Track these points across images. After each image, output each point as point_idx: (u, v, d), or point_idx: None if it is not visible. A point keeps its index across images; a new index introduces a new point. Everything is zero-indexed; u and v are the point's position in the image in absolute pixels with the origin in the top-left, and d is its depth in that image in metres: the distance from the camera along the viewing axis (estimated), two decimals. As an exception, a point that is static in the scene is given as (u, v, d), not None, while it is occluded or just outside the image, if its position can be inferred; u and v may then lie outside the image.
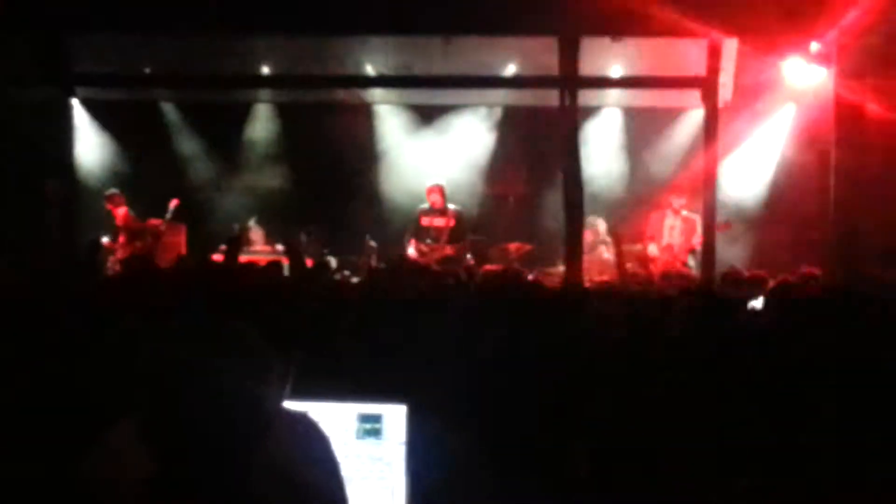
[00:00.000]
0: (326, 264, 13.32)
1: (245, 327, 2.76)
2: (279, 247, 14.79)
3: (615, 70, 14.81)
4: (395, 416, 4.17)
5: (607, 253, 15.74)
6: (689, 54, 13.02)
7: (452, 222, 14.80)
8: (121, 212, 15.36)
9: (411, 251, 14.70)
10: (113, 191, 15.63)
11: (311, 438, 3.19)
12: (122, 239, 15.16)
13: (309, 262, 12.98)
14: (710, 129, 11.02)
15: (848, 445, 3.81)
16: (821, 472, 3.50)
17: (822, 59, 12.44)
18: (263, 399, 2.66)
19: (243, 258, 13.86)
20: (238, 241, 11.77)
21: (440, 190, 14.95)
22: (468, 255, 14.68)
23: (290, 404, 3.69)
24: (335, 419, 4.17)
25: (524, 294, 6.86)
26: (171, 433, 2.57)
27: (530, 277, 12.77)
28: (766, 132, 16.13)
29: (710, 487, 3.36)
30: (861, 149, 11.93)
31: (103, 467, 3.44)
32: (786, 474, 3.84)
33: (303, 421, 3.27)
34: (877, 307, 6.15)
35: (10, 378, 4.75)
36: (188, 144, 17.24)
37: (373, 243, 15.62)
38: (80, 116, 16.18)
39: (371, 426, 4.17)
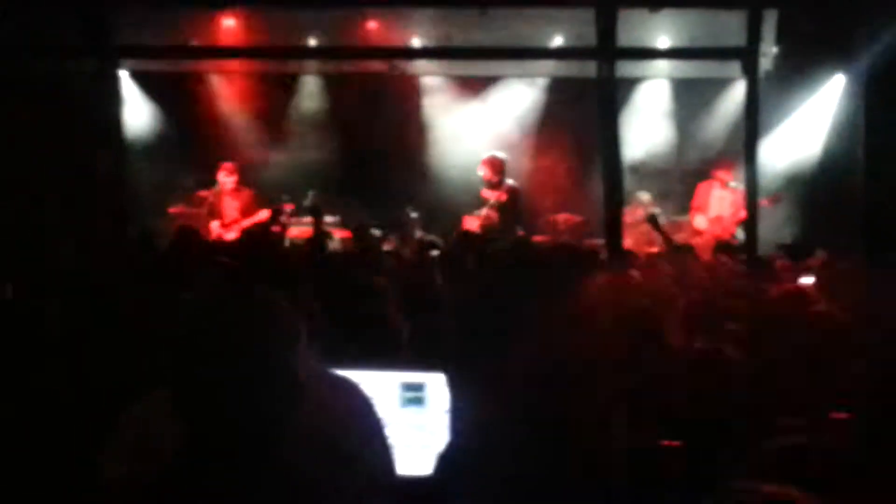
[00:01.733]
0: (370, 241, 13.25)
1: (274, 295, 2.77)
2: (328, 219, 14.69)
3: (658, 41, 14.76)
4: (437, 384, 4.21)
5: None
6: (729, 24, 12.96)
7: (504, 196, 14.72)
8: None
9: (470, 221, 14.67)
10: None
11: (352, 402, 3.22)
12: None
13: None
14: (751, 99, 10.97)
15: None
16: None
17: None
18: (294, 365, 2.67)
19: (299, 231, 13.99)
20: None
21: (491, 163, 14.86)
22: (519, 228, 14.59)
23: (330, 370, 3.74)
24: (378, 388, 4.20)
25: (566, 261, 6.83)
26: (201, 402, 2.59)
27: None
28: (815, 103, 16.00)
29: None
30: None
31: (130, 437, 3.50)
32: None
33: (344, 385, 3.30)
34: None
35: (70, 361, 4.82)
36: (235, 116, 17.30)
37: (414, 215, 15.60)
38: (129, 88, 16.31)
39: (414, 395, 4.22)
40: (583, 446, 2.33)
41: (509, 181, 14.80)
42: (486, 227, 13.98)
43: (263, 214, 13.97)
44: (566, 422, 2.32)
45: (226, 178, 14.90)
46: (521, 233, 14.35)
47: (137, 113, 16.55)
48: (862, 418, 3.64)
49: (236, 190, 14.92)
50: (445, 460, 2.96)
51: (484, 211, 14.57)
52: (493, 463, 2.27)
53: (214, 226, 14.57)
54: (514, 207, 14.70)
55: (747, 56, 11.23)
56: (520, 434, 2.30)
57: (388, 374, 4.26)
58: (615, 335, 3.90)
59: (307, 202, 14.67)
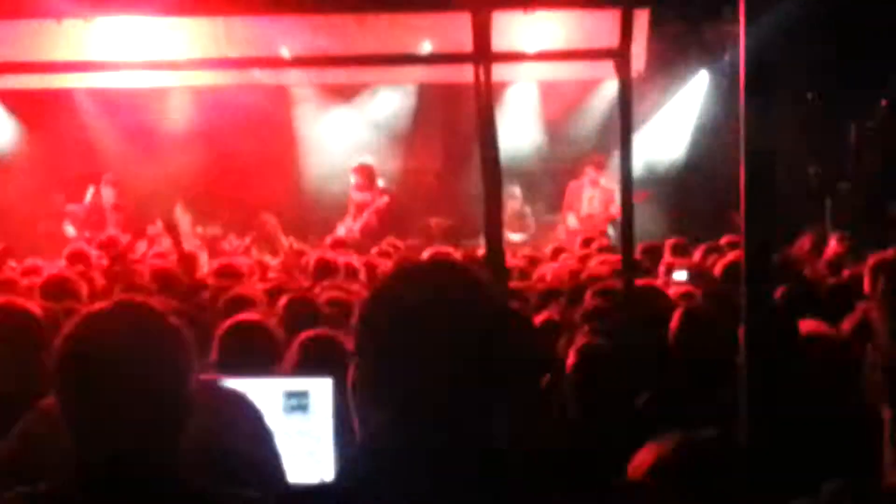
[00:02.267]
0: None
1: (160, 309, 2.76)
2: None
3: (529, 44, 14.88)
4: (321, 390, 4.21)
5: (527, 231, 15.87)
6: (601, 25, 13.11)
7: (385, 201, 14.78)
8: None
9: (340, 230, 14.69)
10: None
11: (237, 410, 3.22)
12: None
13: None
14: (625, 99, 11.06)
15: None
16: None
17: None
18: (184, 378, 2.67)
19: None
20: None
21: (362, 169, 14.93)
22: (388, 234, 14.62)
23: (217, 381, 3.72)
24: (261, 396, 4.19)
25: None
26: (92, 417, 2.57)
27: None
28: (680, 101, 16.29)
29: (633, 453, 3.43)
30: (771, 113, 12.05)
31: (22, 450, 3.44)
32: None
33: (230, 396, 3.29)
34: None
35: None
36: (105, 131, 17.07)
37: (272, 220, 15.52)
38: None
39: (297, 402, 4.21)
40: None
41: (380, 183, 14.88)
42: (366, 233, 13.98)
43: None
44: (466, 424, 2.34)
45: (107, 191, 14.75)
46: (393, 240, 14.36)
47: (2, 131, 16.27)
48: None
49: (117, 205, 14.76)
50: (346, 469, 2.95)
51: (364, 216, 14.60)
52: (396, 468, 2.27)
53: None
54: (389, 212, 14.78)
55: (620, 57, 11.33)
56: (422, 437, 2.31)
57: (271, 382, 4.25)
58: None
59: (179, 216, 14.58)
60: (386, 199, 14.68)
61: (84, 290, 7.94)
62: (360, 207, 14.72)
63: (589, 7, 12.72)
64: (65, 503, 2.58)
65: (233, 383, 3.83)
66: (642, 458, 3.09)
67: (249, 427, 3.28)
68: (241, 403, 3.32)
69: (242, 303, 6.67)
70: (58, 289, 7.68)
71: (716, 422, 3.76)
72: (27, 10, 12.53)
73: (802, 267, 9.10)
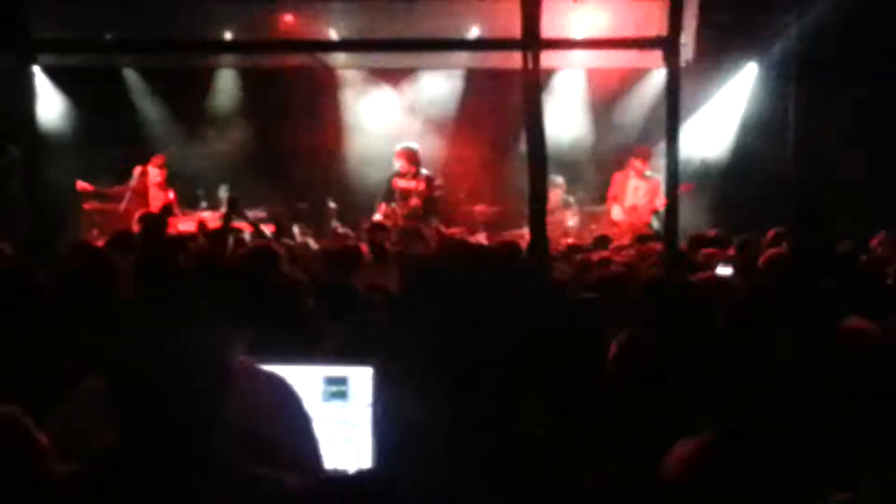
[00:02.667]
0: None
1: (200, 289, 2.77)
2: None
3: (578, 31, 14.81)
4: (361, 378, 4.21)
5: (571, 216, 15.83)
6: (650, 14, 13.04)
7: (422, 186, 14.78)
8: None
9: (378, 216, 14.70)
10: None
11: (276, 395, 3.22)
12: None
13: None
14: (672, 89, 11.01)
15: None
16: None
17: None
18: (221, 360, 2.67)
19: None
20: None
21: (406, 154, 14.92)
22: (435, 220, 14.61)
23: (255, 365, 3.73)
24: (301, 382, 4.20)
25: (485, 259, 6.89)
26: (134, 395, 2.59)
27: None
28: (727, 93, 16.19)
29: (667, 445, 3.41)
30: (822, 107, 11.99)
31: (71, 421, 3.46)
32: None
33: (268, 379, 3.29)
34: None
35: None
36: (151, 111, 17.18)
37: (332, 205, 15.59)
38: (42, 84, 16.10)
39: (337, 388, 4.21)
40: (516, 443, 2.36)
41: (424, 171, 14.86)
42: (409, 217, 13.97)
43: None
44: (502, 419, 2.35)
45: (154, 171, 14.85)
46: (436, 224, 14.36)
47: (50, 108, 16.35)
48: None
49: (163, 185, 14.85)
50: (381, 458, 2.97)
51: (406, 202, 14.59)
52: (427, 462, 2.28)
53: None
54: (431, 197, 14.76)
55: (669, 45, 11.26)
56: (455, 431, 2.31)
57: (311, 369, 4.25)
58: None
59: (223, 196, 14.70)
60: (422, 183, 14.65)
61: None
62: (405, 193, 14.69)
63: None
64: (105, 484, 2.59)
65: (273, 368, 3.84)
66: (680, 451, 3.08)
67: (287, 411, 3.28)
68: (279, 388, 3.33)
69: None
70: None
71: (756, 415, 3.74)
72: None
73: (884, 268, 8.82)
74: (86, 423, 3.23)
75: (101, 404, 2.64)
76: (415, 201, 14.45)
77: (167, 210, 12.90)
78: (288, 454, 3.19)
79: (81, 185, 15.29)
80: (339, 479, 3.76)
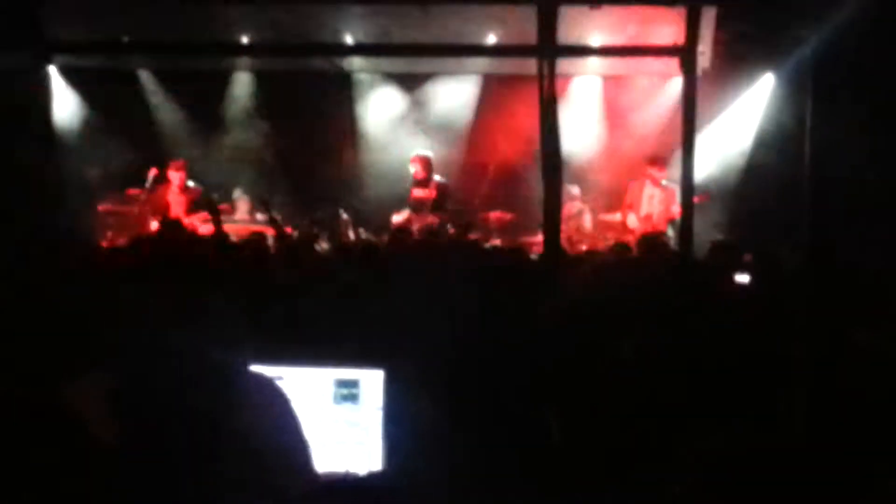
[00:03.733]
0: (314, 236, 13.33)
1: (213, 295, 2.76)
2: (260, 216, 14.66)
3: (595, 39, 14.79)
4: (372, 381, 4.20)
5: (588, 223, 15.81)
6: (668, 22, 13.01)
7: (434, 193, 14.82)
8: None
9: (396, 218, 14.74)
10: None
11: (274, 402, 3.19)
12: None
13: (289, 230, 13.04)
14: (688, 97, 10.99)
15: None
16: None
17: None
18: (231, 367, 2.66)
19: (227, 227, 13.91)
20: (216, 208, 11.80)
21: (421, 160, 14.98)
22: (449, 226, 14.62)
23: (266, 369, 3.71)
24: (312, 384, 4.19)
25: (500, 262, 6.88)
26: (140, 399, 2.57)
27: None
28: (745, 102, 16.15)
29: (684, 452, 3.38)
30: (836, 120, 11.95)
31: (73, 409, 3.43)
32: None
33: (265, 385, 3.26)
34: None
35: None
36: (168, 113, 17.18)
37: (345, 216, 15.62)
38: (58, 84, 16.13)
39: (348, 391, 4.20)
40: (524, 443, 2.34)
41: (437, 178, 14.90)
42: (424, 230, 13.94)
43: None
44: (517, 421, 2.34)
45: (174, 175, 14.87)
46: (451, 230, 14.36)
47: (66, 109, 16.37)
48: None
49: (183, 187, 14.86)
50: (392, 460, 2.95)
51: (419, 213, 14.65)
52: (438, 466, 2.27)
53: (154, 225, 14.42)
54: (443, 204, 14.80)
55: (686, 54, 11.22)
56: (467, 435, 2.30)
57: (322, 371, 4.24)
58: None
59: (236, 198, 14.80)
60: (433, 191, 14.72)
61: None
62: (419, 202, 14.76)
63: (656, 3, 12.63)
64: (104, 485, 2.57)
65: (284, 371, 3.83)
66: (689, 456, 3.06)
67: (275, 413, 3.25)
68: (266, 389, 3.30)
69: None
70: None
71: (769, 423, 3.72)
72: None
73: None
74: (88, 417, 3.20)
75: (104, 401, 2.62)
76: (431, 218, 14.50)
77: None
78: (276, 456, 3.17)
79: (103, 207, 15.37)
80: (349, 481, 3.74)
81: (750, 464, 3.04)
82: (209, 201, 12.65)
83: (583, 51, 15.01)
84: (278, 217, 12.72)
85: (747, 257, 9.90)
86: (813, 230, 11.90)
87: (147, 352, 2.58)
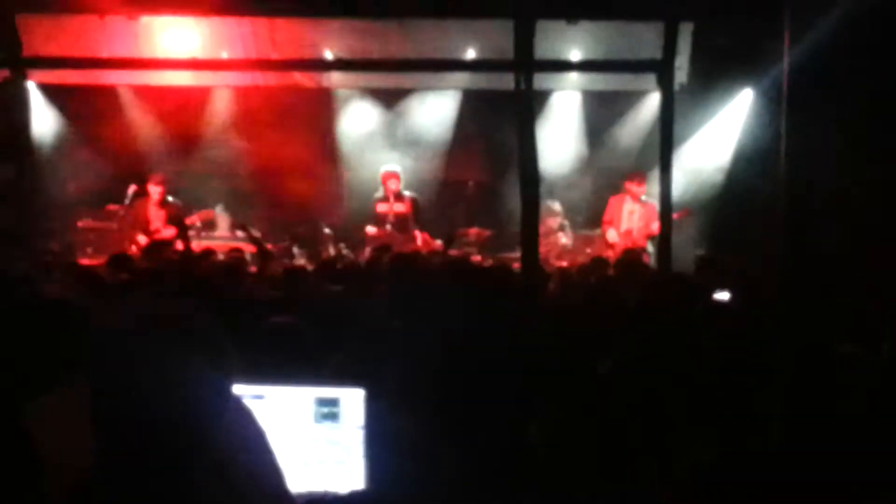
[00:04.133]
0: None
1: (198, 313, 2.73)
2: (240, 233, 14.63)
3: (573, 54, 14.82)
4: (352, 400, 4.18)
5: (565, 238, 15.81)
6: (645, 37, 13.05)
7: (409, 208, 14.85)
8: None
9: (370, 229, 14.78)
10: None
11: (248, 426, 3.17)
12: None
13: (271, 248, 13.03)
14: (666, 112, 11.03)
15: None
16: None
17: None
18: (217, 387, 2.64)
19: (207, 244, 13.88)
20: (184, 225, 11.81)
21: (393, 175, 15.00)
22: (438, 241, 14.60)
23: (245, 389, 3.69)
24: (293, 403, 4.18)
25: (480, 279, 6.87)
26: (120, 418, 2.55)
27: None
28: (724, 117, 16.18)
29: (670, 462, 3.39)
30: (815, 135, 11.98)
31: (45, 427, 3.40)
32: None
33: (238, 408, 3.23)
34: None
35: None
36: (146, 129, 17.12)
37: (327, 230, 15.61)
38: (36, 100, 16.07)
39: (328, 410, 4.18)
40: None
41: (407, 193, 14.96)
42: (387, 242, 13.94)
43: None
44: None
45: (154, 189, 14.81)
46: (439, 246, 14.33)
47: (44, 124, 16.31)
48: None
49: (162, 202, 14.81)
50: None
51: (387, 226, 14.69)
52: (420, 484, 2.26)
53: (141, 238, 14.36)
54: (416, 218, 14.86)
55: (664, 69, 11.26)
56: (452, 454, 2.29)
57: (303, 390, 4.23)
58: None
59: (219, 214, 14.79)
60: (408, 205, 14.82)
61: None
62: (383, 217, 14.84)
63: (633, 18, 12.67)
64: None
65: (265, 390, 3.81)
66: (682, 467, 3.07)
67: (245, 435, 3.22)
68: (242, 411, 3.27)
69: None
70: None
71: (752, 431, 3.73)
72: (72, 5, 12.61)
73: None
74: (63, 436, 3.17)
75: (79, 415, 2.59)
76: (393, 228, 14.61)
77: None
78: (247, 478, 3.14)
79: (83, 223, 15.37)
80: (329, 501, 3.72)
81: (730, 473, 3.04)
82: (178, 217, 12.66)
83: (560, 65, 15.05)
84: (258, 234, 12.70)
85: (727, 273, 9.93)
86: (790, 244, 11.92)
87: (120, 365, 2.55)
